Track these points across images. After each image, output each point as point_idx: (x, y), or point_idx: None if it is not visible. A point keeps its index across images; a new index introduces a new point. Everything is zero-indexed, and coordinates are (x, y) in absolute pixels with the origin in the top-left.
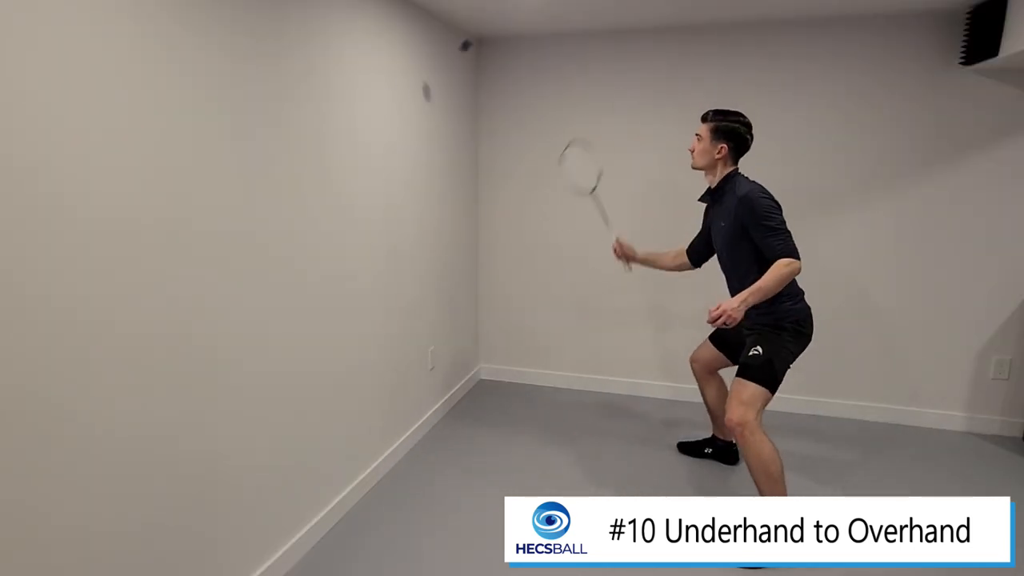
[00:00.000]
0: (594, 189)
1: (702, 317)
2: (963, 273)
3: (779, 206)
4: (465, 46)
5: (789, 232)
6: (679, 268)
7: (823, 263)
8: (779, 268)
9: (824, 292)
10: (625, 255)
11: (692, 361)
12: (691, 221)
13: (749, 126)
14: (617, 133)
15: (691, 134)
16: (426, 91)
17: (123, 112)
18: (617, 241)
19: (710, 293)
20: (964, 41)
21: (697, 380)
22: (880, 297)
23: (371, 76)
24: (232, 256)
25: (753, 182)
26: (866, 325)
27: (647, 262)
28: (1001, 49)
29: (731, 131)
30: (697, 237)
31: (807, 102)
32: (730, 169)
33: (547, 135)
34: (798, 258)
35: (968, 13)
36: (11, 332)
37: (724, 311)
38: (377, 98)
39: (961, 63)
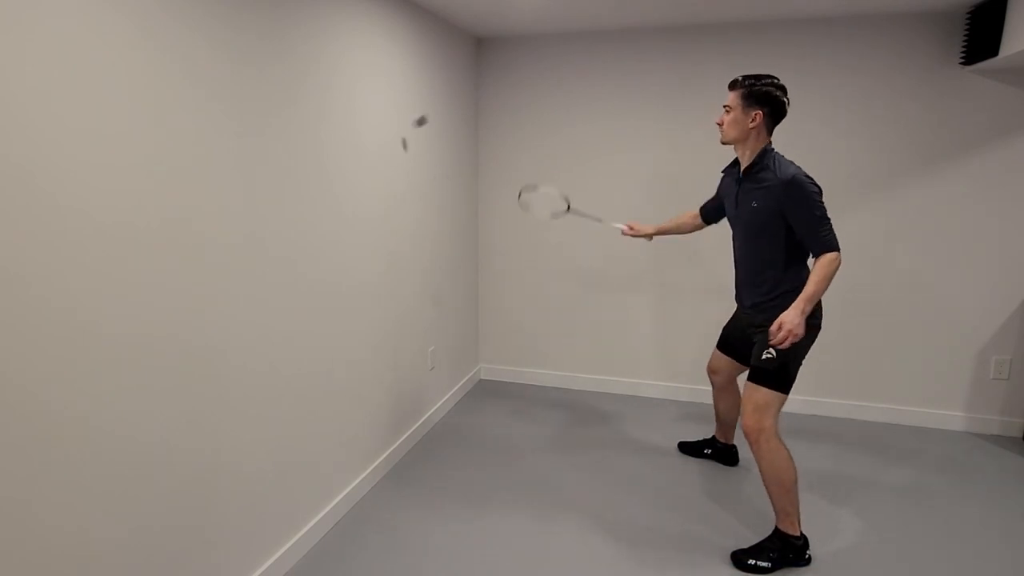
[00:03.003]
0: (568, 208)
1: (703, 317)
2: (963, 273)
3: (822, 191)
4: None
5: (831, 221)
6: (697, 229)
7: None
8: (827, 266)
9: None
10: (639, 235)
11: (711, 373)
12: None
13: (784, 89)
14: (617, 133)
15: (692, 134)
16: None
17: (123, 112)
18: (628, 227)
19: (712, 292)
20: (964, 41)
21: (715, 390)
22: (879, 297)
23: (371, 76)
24: (232, 256)
25: (792, 162)
26: (866, 325)
27: (666, 233)
28: (1001, 49)
29: (765, 95)
30: (711, 201)
31: (807, 102)
32: (765, 142)
33: (547, 135)
34: (839, 250)
35: (968, 13)
36: (11, 332)
37: (789, 331)
38: (377, 98)
39: (961, 63)
